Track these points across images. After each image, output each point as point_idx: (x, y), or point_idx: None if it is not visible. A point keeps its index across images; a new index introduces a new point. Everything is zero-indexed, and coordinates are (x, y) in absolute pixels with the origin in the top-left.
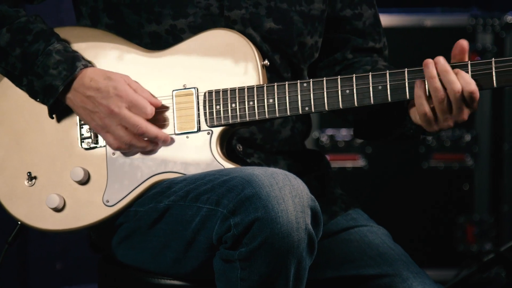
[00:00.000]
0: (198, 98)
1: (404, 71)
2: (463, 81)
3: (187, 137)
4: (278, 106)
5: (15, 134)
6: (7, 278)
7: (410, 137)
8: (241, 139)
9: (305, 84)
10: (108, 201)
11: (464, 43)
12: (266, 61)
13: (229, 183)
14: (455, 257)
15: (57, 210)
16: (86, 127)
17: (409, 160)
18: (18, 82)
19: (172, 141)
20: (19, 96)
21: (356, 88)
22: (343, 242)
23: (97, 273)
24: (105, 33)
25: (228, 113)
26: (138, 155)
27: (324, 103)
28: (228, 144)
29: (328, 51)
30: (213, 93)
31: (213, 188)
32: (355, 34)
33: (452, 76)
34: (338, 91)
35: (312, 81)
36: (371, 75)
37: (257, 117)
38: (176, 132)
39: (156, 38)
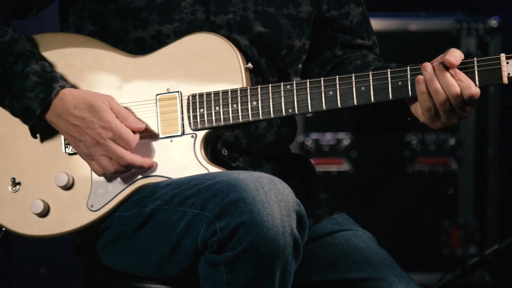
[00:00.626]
0: (181, 102)
1: (387, 72)
2: (462, 84)
3: (171, 140)
4: (262, 109)
5: None
6: None
7: (408, 126)
8: (226, 143)
9: (288, 86)
10: (92, 206)
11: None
12: (249, 64)
13: (214, 187)
14: (440, 261)
15: (42, 215)
16: None
17: (394, 164)
18: (1, 102)
19: (156, 145)
20: None
21: (339, 89)
22: (328, 246)
23: (82, 278)
24: (89, 39)
25: (212, 116)
26: None
27: (308, 105)
28: (214, 148)
29: (317, 51)
30: (197, 97)
31: (199, 192)
32: (342, 32)
33: (449, 79)
34: (321, 92)
35: (296, 83)
36: (354, 76)
37: (240, 120)
38: (160, 136)
39: (141, 44)
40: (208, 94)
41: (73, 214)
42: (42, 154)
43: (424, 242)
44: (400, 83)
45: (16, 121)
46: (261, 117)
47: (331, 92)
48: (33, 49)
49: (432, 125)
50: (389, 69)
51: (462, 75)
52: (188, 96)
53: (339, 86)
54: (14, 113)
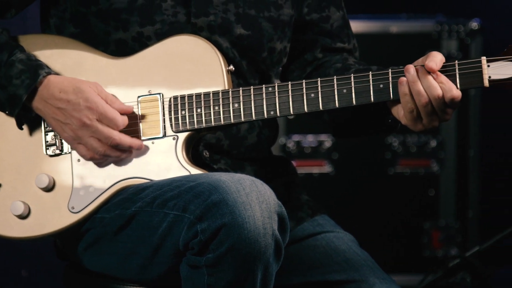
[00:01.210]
0: (163, 104)
1: (369, 74)
2: (444, 87)
3: (152, 142)
4: (244, 111)
5: None
6: None
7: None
8: (208, 145)
9: (270, 89)
10: (73, 208)
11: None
12: (231, 67)
13: (196, 189)
14: (421, 263)
15: (22, 217)
16: (51, 134)
17: (376, 166)
18: None
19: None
20: None
21: (321, 92)
22: (309, 248)
23: (63, 280)
24: (70, 40)
25: (193, 118)
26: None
27: (289, 107)
28: (195, 150)
29: (298, 53)
30: (178, 99)
31: (180, 194)
32: (323, 35)
33: (432, 81)
34: (303, 94)
35: (278, 85)
36: (336, 78)
37: (222, 122)
38: (142, 138)
39: (122, 46)
40: (190, 96)
41: (54, 216)
42: (22, 155)
43: (405, 244)
44: (381, 85)
45: None
46: (242, 119)
47: (313, 95)
48: (18, 42)
49: (413, 128)
50: (370, 72)
51: (443, 78)
52: (170, 98)
53: (321, 89)
54: (0, 104)
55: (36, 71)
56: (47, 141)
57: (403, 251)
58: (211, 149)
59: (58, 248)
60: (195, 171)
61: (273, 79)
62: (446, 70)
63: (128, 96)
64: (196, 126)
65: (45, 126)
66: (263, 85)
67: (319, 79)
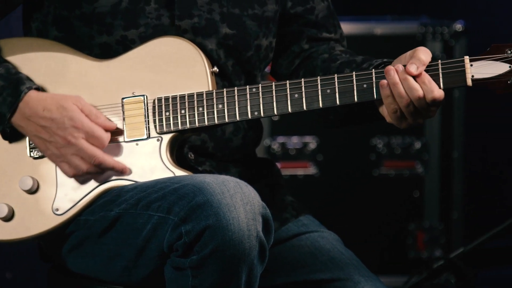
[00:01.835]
0: (147, 105)
1: (352, 74)
2: (425, 87)
3: (136, 144)
4: (228, 112)
5: None
6: None
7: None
8: (193, 147)
9: (254, 89)
10: (57, 210)
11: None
12: (215, 68)
13: (180, 191)
14: (406, 264)
15: (6, 219)
16: None
17: (360, 168)
18: None
19: (121, 148)
20: None
21: (305, 92)
22: (294, 248)
23: (47, 282)
24: (53, 43)
25: (177, 119)
26: None
27: (273, 108)
28: (180, 152)
29: (284, 46)
30: (162, 100)
31: (164, 196)
32: (308, 26)
33: (412, 83)
34: (287, 95)
35: (261, 86)
36: (320, 79)
37: (206, 123)
38: (126, 139)
39: (106, 49)
40: (174, 97)
41: (38, 218)
42: (6, 158)
43: (390, 245)
44: (365, 85)
45: None
46: (227, 120)
47: (296, 95)
48: None
49: (399, 126)
50: (354, 72)
51: (426, 78)
52: (154, 100)
53: (304, 89)
54: None
55: (17, 87)
56: (31, 144)
57: (388, 253)
58: (196, 151)
59: (42, 250)
60: (179, 172)
61: (258, 79)
62: (429, 69)
63: (112, 98)
64: (180, 127)
65: None
66: (247, 86)
67: (302, 79)
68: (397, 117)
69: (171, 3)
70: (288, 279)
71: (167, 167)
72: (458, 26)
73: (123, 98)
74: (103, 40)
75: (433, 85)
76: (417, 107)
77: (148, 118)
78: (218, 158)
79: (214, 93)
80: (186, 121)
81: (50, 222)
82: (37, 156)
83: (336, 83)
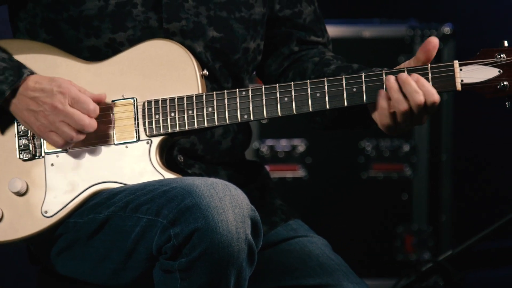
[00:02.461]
0: (137, 108)
1: (342, 78)
2: (425, 90)
3: (126, 147)
4: (217, 115)
5: None
6: None
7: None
8: (182, 150)
9: (244, 93)
10: (46, 212)
11: (436, 41)
12: (205, 71)
13: (169, 194)
14: (394, 267)
15: None
16: (24, 138)
17: (349, 170)
18: None
19: (111, 151)
20: None
21: (295, 96)
22: (283, 252)
23: (37, 285)
24: (44, 45)
25: (167, 122)
26: (77, 166)
27: (263, 111)
28: (169, 155)
29: (274, 47)
30: (152, 103)
31: (153, 198)
32: (296, 28)
33: (414, 87)
34: (277, 98)
35: (251, 89)
36: (309, 82)
37: (196, 126)
38: (115, 142)
39: (95, 52)
40: (164, 100)
41: (27, 220)
42: None
43: (378, 248)
44: (355, 89)
45: None
46: (216, 123)
47: (286, 99)
48: None
49: (388, 132)
50: (344, 76)
51: (424, 81)
52: (144, 102)
53: (294, 93)
54: None
55: (20, 69)
56: (21, 146)
57: (376, 255)
58: (185, 153)
59: (31, 252)
60: (168, 175)
61: (246, 82)
62: (419, 74)
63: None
64: (169, 130)
65: (18, 130)
66: (237, 89)
67: (292, 83)
68: (390, 123)
69: (158, 6)
70: (276, 284)
71: (156, 170)
72: (447, 29)
73: (113, 101)
74: (92, 43)
75: (433, 89)
76: (414, 113)
77: (138, 120)
78: (208, 160)
79: (204, 96)
80: (175, 124)
81: (39, 224)
82: (27, 158)
83: (326, 86)
